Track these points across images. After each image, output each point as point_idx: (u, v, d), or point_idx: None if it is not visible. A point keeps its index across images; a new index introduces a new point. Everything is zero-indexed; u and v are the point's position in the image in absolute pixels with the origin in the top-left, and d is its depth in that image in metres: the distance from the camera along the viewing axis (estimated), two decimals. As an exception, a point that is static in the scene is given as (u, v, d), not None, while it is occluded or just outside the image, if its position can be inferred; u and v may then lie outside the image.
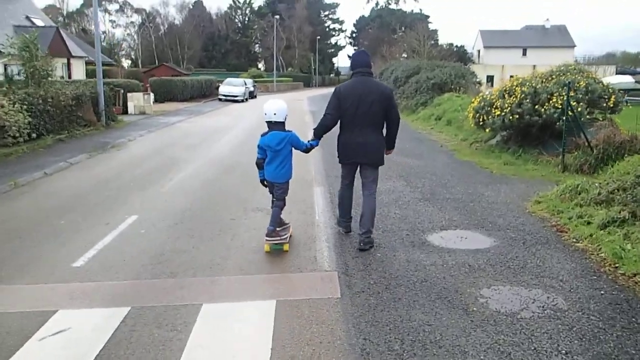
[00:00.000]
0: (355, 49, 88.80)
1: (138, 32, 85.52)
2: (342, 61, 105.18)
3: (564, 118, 9.92)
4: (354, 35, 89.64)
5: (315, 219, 6.32)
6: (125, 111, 21.34)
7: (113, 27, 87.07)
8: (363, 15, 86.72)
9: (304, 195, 7.50)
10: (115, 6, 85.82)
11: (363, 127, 5.12)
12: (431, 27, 60.63)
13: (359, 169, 5.42)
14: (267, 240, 5.13)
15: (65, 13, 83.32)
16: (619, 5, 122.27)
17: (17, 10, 29.90)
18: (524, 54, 59.84)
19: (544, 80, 11.16)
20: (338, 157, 5.45)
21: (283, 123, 5.09)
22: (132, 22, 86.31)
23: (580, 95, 10.38)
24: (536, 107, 10.40)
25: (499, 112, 10.85)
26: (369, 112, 5.09)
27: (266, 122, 5.12)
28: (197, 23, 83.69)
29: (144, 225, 6.00)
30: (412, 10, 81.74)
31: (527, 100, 10.50)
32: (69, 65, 29.89)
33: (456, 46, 48.92)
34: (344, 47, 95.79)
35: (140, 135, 14.67)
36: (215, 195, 7.57)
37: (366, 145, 5.17)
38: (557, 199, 6.77)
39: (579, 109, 9.84)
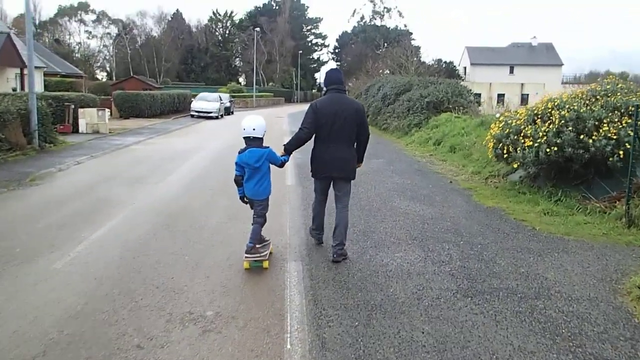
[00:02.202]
0: (337, 64, 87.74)
1: (114, 44, 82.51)
2: (324, 76, 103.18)
3: (620, 152, 7.58)
4: (336, 50, 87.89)
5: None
6: (76, 130, 18.52)
7: (89, 38, 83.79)
8: (346, 31, 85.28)
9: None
10: (92, 16, 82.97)
11: (338, 142, 5.25)
12: (415, 43, 58.98)
13: (332, 183, 5.50)
14: (246, 257, 5.05)
15: (37, 22, 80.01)
16: (590, 26, 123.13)
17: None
18: (511, 71, 58.50)
19: (587, 101, 8.75)
20: (311, 171, 5.50)
21: (261, 139, 5.02)
22: (108, 34, 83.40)
23: None
24: (581, 137, 7.98)
25: (530, 142, 8.41)
26: (344, 127, 5.22)
27: (244, 137, 5.00)
28: (175, 35, 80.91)
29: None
30: (397, 26, 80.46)
31: (569, 129, 8.07)
32: (22, 75, 26.86)
33: (445, 62, 47.00)
34: (326, 62, 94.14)
35: (78, 162, 11.88)
36: (136, 279, 4.86)
37: (341, 160, 5.30)
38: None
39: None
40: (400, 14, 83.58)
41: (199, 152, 14.18)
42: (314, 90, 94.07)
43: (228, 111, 36.09)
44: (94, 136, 17.46)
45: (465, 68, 59.62)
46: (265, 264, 5.07)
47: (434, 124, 17.59)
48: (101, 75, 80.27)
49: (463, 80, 37.91)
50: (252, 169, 4.99)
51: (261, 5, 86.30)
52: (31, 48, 13.52)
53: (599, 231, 6.60)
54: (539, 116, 8.80)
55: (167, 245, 5.76)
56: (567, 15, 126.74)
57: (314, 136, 5.33)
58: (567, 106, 8.42)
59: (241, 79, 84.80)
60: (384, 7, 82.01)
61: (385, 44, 64.79)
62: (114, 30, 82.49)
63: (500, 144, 9.11)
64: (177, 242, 5.86)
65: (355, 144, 5.48)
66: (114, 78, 65.88)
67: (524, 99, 52.11)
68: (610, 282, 4.83)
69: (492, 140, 9.42)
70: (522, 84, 55.18)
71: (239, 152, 5.03)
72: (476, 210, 7.76)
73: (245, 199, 5.24)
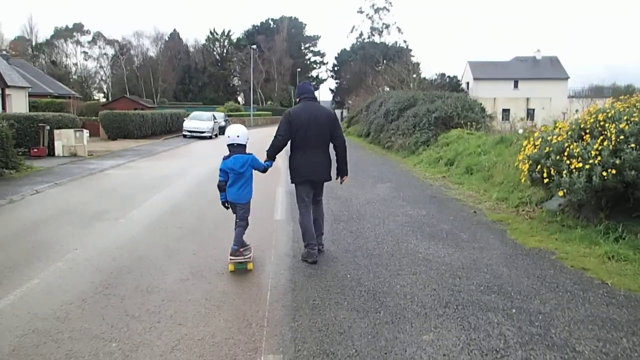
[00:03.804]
0: (336, 83, 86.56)
1: (110, 64, 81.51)
2: (323, 94, 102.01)
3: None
4: (335, 68, 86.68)
5: None
6: (52, 152, 16.87)
7: (85, 59, 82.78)
8: (345, 48, 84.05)
9: None
10: (88, 37, 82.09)
11: (313, 147, 5.49)
12: (415, 59, 57.54)
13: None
14: (230, 259, 5.24)
15: (34, 44, 79.15)
16: (585, 41, 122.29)
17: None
18: (516, 86, 57.00)
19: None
20: (291, 177, 5.67)
21: (244, 146, 5.28)
22: (105, 54, 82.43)
23: None
24: (648, 156, 6.26)
25: (579, 164, 6.69)
26: (318, 133, 5.47)
27: (227, 145, 5.25)
28: (172, 55, 79.89)
29: None
30: (396, 42, 79.41)
31: (631, 146, 6.36)
32: (2, 96, 25.34)
33: (448, 76, 45.50)
34: (325, 80, 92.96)
35: (36, 191, 10.17)
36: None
37: (317, 164, 5.53)
38: None
39: None
40: (399, 30, 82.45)
41: (180, 179, 12.46)
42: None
43: (223, 130, 34.49)
44: (69, 159, 15.78)
45: (467, 83, 58.19)
46: (250, 266, 5.27)
47: (444, 142, 15.91)
48: (98, 96, 78.99)
49: (467, 95, 36.45)
50: (236, 174, 5.22)
51: (259, 24, 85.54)
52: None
53: (694, 286, 4.84)
54: (587, 131, 7.09)
55: (91, 323, 3.99)
56: (565, 29, 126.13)
57: (289, 143, 5.56)
58: (625, 118, 6.70)
59: (240, 98, 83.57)
60: (383, 24, 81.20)
61: (385, 61, 63.52)
62: (110, 51, 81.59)
63: (538, 166, 7.38)
64: (108, 318, 4.09)
65: (335, 153, 5.73)
66: (110, 99, 64.59)
67: (530, 114, 50.71)
68: None
69: (526, 161, 7.69)
70: (528, 99, 53.81)
71: (224, 159, 5.27)
72: (518, 254, 5.99)
73: (226, 204, 5.41)
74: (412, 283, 4.91)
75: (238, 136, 5.22)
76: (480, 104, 19.89)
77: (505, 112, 43.11)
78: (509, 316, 4.15)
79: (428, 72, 58.11)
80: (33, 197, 9.82)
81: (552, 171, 7.17)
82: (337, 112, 72.36)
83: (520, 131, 12.27)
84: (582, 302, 4.47)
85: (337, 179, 5.87)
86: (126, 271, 5.24)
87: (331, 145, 5.67)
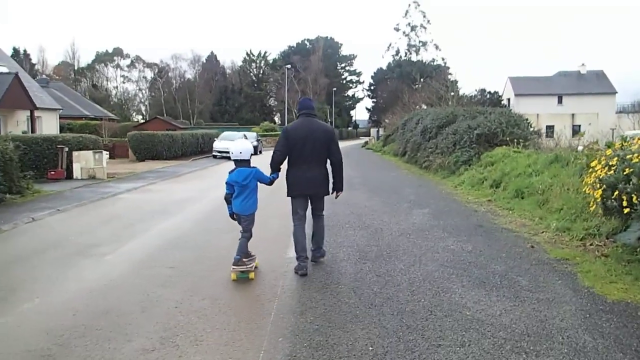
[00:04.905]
0: (373, 102, 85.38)
1: (149, 87, 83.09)
2: (360, 114, 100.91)
3: None
4: (371, 87, 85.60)
5: None
6: (70, 175, 16.19)
7: (124, 82, 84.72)
8: (381, 67, 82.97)
9: None
10: (127, 61, 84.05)
11: (310, 162, 5.60)
12: (453, 77, 55.58)
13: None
14: (233, 268, 5.41)
15: (76, 69, 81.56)
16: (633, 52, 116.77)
17: (-21, 57, 25.74)
18: (560, 101, 54.31)
19: None
20: (288, 190, 5.77)
21: (248, 161, 5.54)
22: (143, 77, 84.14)
23: None
24: None
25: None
26: (314, 148, 5.58)
27: (233, 160, 5.53)
28: (209, 77, 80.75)
29: None
30: (434, 60, 77.78)
31: None
32: (32, 117, 25.26)
33: (489, 92, 43.48)
34: (361, 99, 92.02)
35: (32, 219, 9.25)
36: None
37: (314, 178, 5.63)
38: None
39: None
40: (437, 47, 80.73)
41: (195, 204, 11.38)
42: (349, 128, 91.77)
43: (255, 151, 33.74)
44: (85, 182, 15.02)
45: (508, 99, 55.88)
46: (251, 275, 5.43)
47: (488, 161, 14.32)
48: (137, 118, 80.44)
49: (511, 110, 34.50)
50: (241, 187, 5.45)
51: (294, 45, 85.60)
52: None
53: None
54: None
55: None
56: (611, 42, 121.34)
57: (287, 158, 5.67)
58: None
59: (276, 118, 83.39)
60: (419, 41, 79.82)
61: (422, 79, 61.96)
62: (149, 74, 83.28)
63: (615, 192, 5.86)
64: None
65: (331, 170, 5.82)
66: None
67: (576, 130, 48.01)
68: None
69: (599, 186, 6.17)
70: (573, 115, 51.10)
71: (229, 172, 5.56)
72: (599, 311, 4.48)
73: (234, 215, 5.62)
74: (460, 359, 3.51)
75: (241, 152, 5.53)
76: (527, 119, 18.18)
77: (549, 128, 40.78)
78: None
79: (467, 88, 56.07)
80: (27, 226, 8.88)
81: (634, 198, 5.64)
82: (373, 130, 71.08)
83: (580, 148, 10.65)
84: None
85: (332, 193, 5.97)
86: (80, 334, 4.03)
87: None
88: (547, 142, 19.40)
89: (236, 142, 5.73)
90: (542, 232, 7.80)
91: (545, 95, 54.03)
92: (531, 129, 17.13)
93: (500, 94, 51.24)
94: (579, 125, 50.56)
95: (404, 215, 9.43)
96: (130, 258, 6.48)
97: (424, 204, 10.89)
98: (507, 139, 15.41)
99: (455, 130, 17.49)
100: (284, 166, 5.80)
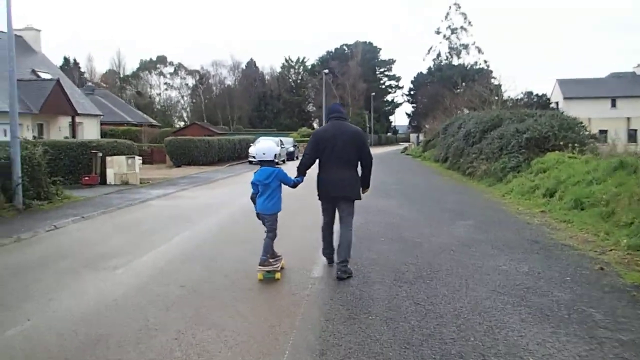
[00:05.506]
0: (413, 106, 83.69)
1: (190, 93, 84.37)
2: (399, 119, 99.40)
3: None
4: (411, 92, 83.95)
5: None
6: (104, 181, 15.99)
7: (166, 89, 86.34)
8: (421, 72, 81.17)
9: None
10: (170, 69, 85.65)
11: (339, 165, 5.58)
12: (496, 81, 53.54)
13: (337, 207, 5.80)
14: (259, 268, 5.44)
15: (121, 76, 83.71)
16: None
17: (24, 64, 26.18)
18: (613, 104, 51.40)
19: None
20: (318, 193, 5.78)
21: (272, 161, 5.63)
22: (185, 84, 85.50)
23: None
24: None
25: None
26: (343, 150, 5.56)
27: (258, 160, 5.64)
28: (249, 83, 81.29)
29: None
30: (476, 63, 75.50)
31: None
32: (73, 123, 25.53)
33: (536, 95, 41.46)
34: (401, 104, 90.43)
35: (54, 227, 8.85)
36: None
37: (342, 181, 5.58)
38: None
39: None
40: (479, 50, 78.23)
41: (221, 210, 10.80)
42: (389, 134, 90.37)
43: (292, 156, 33.29)
44: (117, 188, 14.75)
45: (557, 103, 53.38)
46: (277, 275, 5.46)
47: (539, 167, 13.16)
48: (179, 124, 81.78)
49: (563, 112, 32.58)
50: (263, 185, 5.49)
51: (333, 50, 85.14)
52: (14, 85, 10.65)
53: None
54: None
55: None
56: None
57: (318, 161, 5.70)
58: None
59: (315, 124, 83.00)
60: (461, 44, 77.72)
61: (463, 83, 60.02)
62: (190, 80, 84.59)
63: None
64: None
65: (361, 171, 5.81)
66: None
67: (632, 135, 45.30)
68: None
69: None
70: (629, 118, 48.29)
71: (255, 173, 5.65)
72: (703, 360, 3.51)
73: (259, 215, 5.63)
74: None
75: (264, 153, 5.60)
76: (581, 122, 16.83)
77: (603, 132, 38.51)
78: None
79: (512, 91, 53.60)
80: (47, 234, 8.47)
81: None
82: (413, 136, 69.54)
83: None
84: None
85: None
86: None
87: None
88: (600, 147, 17.94)
89: (259, 143, 5.89)
90: (611, 249, 6.75)
91: (597, 99, 51.21)
92: (586, 133, 15.77)
93: (548, 97, 48.90)
94: (635, 130, 47.80)
95: (445, 227, 8.51)
96: (140, 273, 5.87)
97: (468, 214, 9.92)
98: (561, 143, 14.18)
99: (502, 135, 16.35)
100: (314, 170, 5.73)
